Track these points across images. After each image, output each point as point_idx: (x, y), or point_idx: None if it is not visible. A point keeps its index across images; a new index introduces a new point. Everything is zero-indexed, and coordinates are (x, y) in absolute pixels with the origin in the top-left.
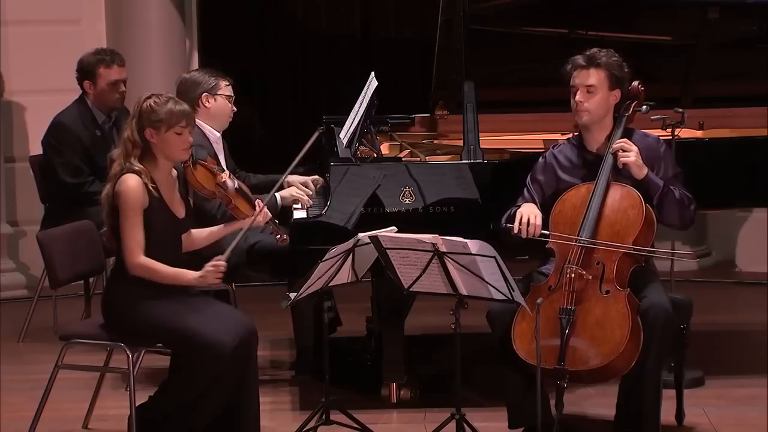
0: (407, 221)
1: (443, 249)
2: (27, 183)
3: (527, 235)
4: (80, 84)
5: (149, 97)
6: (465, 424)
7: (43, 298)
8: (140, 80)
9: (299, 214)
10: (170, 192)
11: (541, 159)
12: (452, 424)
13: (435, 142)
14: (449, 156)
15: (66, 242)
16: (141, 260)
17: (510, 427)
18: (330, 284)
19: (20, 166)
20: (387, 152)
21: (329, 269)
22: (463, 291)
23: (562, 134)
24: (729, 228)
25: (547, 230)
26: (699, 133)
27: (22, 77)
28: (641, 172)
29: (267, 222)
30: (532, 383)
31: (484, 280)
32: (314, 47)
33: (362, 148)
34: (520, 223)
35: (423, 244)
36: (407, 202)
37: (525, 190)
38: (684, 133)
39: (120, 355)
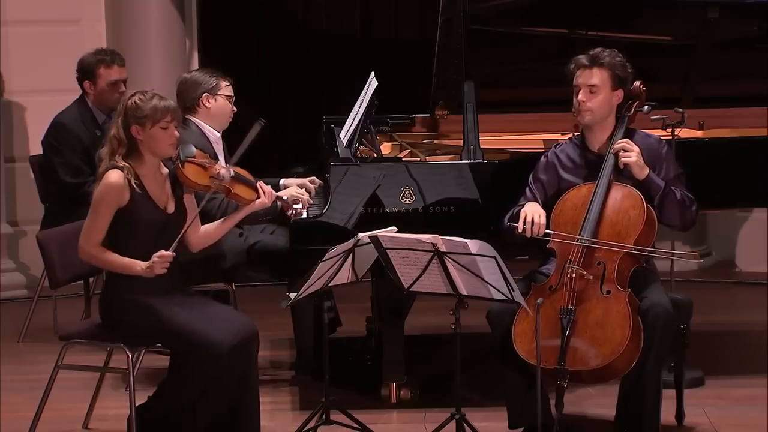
0: (407, 221)
1: (443, 249)
2: (27, 183)
3: (531, 234)
4: (80, 84)
5: (133, 95)
6: (465, 424)
7: (43, 298)
8: (140, 80)
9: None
10: (157, 187)
11: (543, 158)
12: (452, 424)
13: (435, 142)
14: (449, 156)
15: (66, 242)
16: (93, 249)
17: (510, 427)
18: (330, 284)
19: (20, 166)
20: (387, 152)
21: (329, 269)
22: (463, 291)
23: (562, 134)
24: (729, 228)
25: (550, 230)
26: (699, 133)
27: (22, 77)
28: (642, 172)
29: (274, 201)
30: (532, 383)
31: (484, 280)
32: (314, 47)
33: (362, 148)
34: (524, 223)
35: (423, 244)
36: (407, 202)
37: (527, 189)
38: (684, 133)
39: (120, 355)
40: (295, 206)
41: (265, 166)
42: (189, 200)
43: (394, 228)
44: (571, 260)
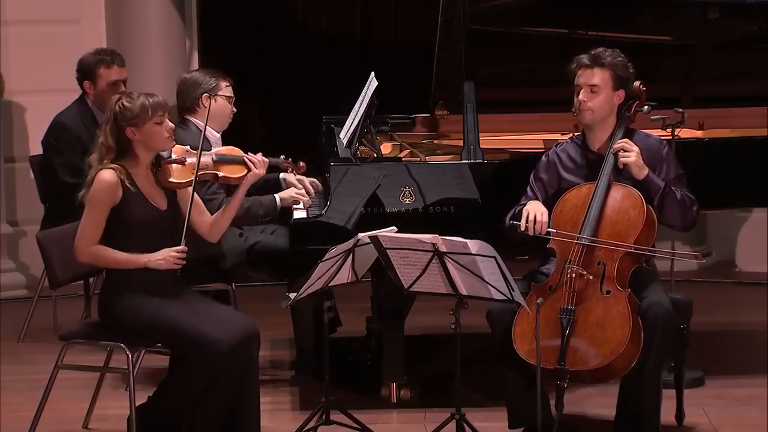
0: (407, 221)
1: (443, 249)
2: (27, 183)
3: (534, 233)
4: (80, 84)
5: (119, 99)
6: (465, 424)
7: (43, 298)
8: (140, 80)
9: (299, 214)
10: (150, 185)
11: (543, 157)
12: (452, 424)
13: (435, 142)
14: (449, 156)
15: (66, 242)
16: (91, 249)
17: (510, 427)
18: (330, 284)
19: (20, 166)
20: (387, 152)
21: (329, 269)
22: (463, 291)
23: (562, 134)
24: (729, 228)
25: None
26: (699, 133)
27: (22, 77)
28: (641, 172)
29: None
30: (532, 383)
31: (484, 280)
32: (314, 47)
33: (362, 148)
34: (527, 221)
35: (423, 244)
36: (407, 202)
37: (528, 188)
38: (684, 133)
39: (120, 355)
40: (295, 207)
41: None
42: (186, 195)
43: (394, 228)
44: (571, 260)
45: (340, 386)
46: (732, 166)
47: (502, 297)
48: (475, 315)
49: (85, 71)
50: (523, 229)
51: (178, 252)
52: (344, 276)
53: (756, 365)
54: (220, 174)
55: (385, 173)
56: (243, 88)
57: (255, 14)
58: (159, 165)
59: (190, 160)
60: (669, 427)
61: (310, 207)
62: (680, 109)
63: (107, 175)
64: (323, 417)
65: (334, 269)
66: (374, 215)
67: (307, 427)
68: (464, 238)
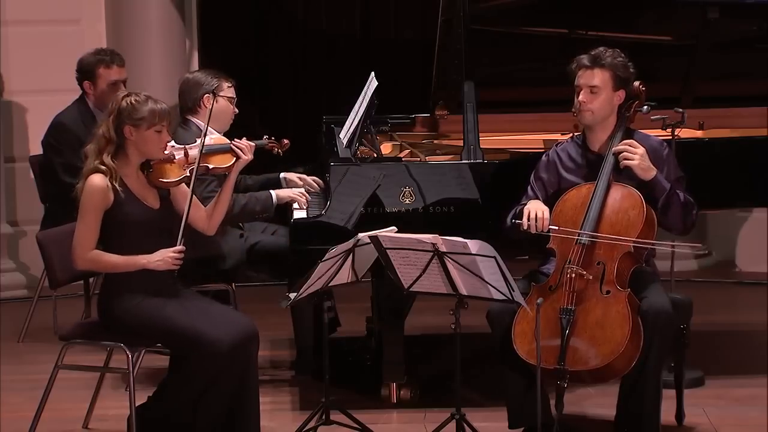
0: (407, 221)
1: (443, 249)
2: (27, 183)
3: (536, 230)
4: (80, 84)
5: (128, 95)
6: (465, 424)
7: (43, 298)
8: (140, 80)
9: (299, 214)
10: (141, 185)
11: (544, 157)
12: (452, 424)
13: (435, 142)
14: (449, 156)
15: (66, 242)
16: (88, 255)
17: (510, 427)
18: (330, 284)
19: (20, 166)
20: (387, 152)
21: (329, 269)
22: (463, 291)
23: (562, 134)
24: (729, 228)
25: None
26: (699, 133)
27: (22, 77)
28: (648, 174)
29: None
30: (532, 383)
31: (484, 280)
32: (314, 47)
33: (362, 148)
34: (528, 219)
35: (423, 244)
36: (407, 202)
37: (529, 188)
38: (684, 133)
39: (120, 355)
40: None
41: (264, 166)
42: (179, 192)
43: (394, 228)
44: (570, 260)
45: (340, 386)
46: (732, 166)
47: (502, 297)
48: (475, 315)
49: (85, 71)
50: (525, 227)
51: (175, 252)
52: (344, 276)
53: (756, 365)
54: (210, 166)
55: (385, 173)
56: (243, 88)
57: (255, 14)
58: (149, 165)
59: (178, 156)
60: (669, 427)
61: (309, 207)
62: (680, 109)
63: (97, 179)
64: (323, 417)
65: (334, 269)
66: (374, 215)
67: (307, 427)
68: (464, 238)
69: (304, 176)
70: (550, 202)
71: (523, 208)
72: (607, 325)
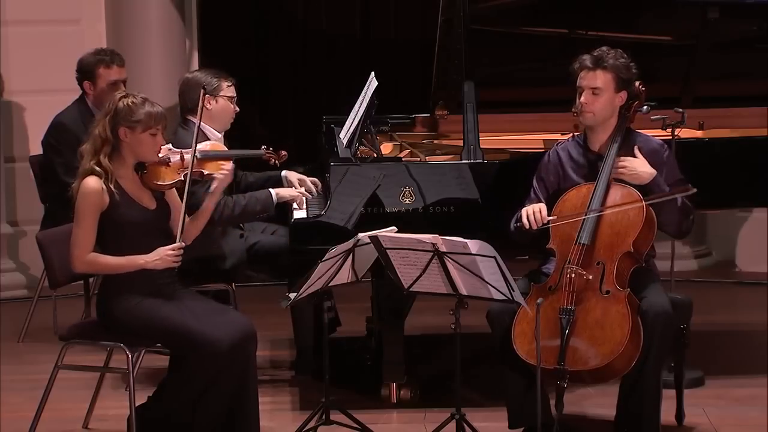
0: (407, 221)
1: (443, 249)
2: (27, 183)
3: (537, 224)
4: (80, 84)
5: (125, 96)
6: (465, 424)
7: (43, 298)
8: (140, 80)
9: (299, 214)
10: (136, 186)
11: (544, 157)
12: (452, 424)
13: (435, 142)
14: (449, 156)
15: (66, 242)
16: (86, 257)
17: (510, 427)
18: (330, 284)
19: (20, 166)
20: (387, 152)
21: (329, 269)
22: (463, 291)
23: (562, 134)
24: (729, 228)
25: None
26: (699, 133)
27: (22, 77)
28: (638, 180)
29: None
30: (532, 383)
31: (484, 280)
32: (314, 47)
33: (362, 148)
34: (527, 218)
35: (423, 244)
36: (407, 202)
37: (531, 190)
38: (684, 133)
39: (120, 355)
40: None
41: (264, 166)
42: (175, 194)
43: (394, 228)
44: (570, 260)
45: (340, 386)
46: (732, 166)
47: (502, 297)
48: (475, 315)
49: (85, 71)
50: (527, 226)
51: (173, 250)
52: (344, 276)
53: (756, 365)
54: (206, 171)
55: (385, 173)
56: (243, 88)
57: (255, 14)
58: (144, 167)
59: (174, 159)
60: (669, 427)
61: (309, 207)
62: (680, 109)
63: (91, 182)
64: (323, 417)
65: (334, 269)
66: (374, 215)
67: (307, 427)
68: (464, 238)
69: (305, 179)
70: (550, 202)
71: (521, 211)
72: (606, 325)
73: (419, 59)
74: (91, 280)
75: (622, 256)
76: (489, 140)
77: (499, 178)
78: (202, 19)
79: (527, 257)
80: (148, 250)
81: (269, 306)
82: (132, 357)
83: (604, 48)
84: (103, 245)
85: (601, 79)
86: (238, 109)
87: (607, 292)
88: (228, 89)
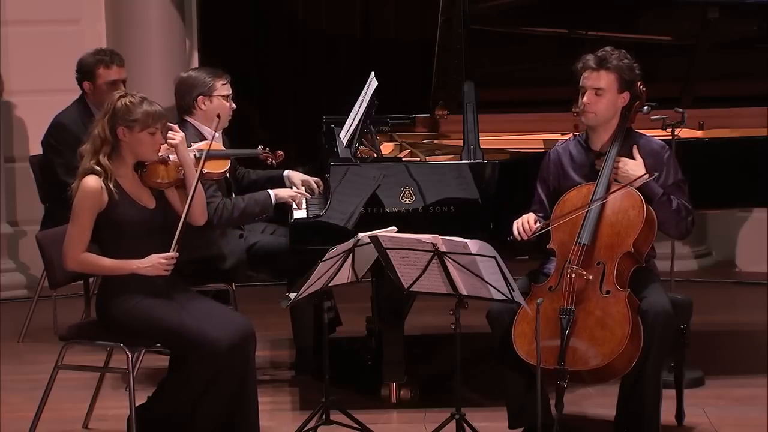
0: (407, 221)
1: (443, 249)
2: (27, 183)
3: (527, 235)
4: (80, 84)
5: (123, 96)
6: (465, 424)
7: (43, 298)
8: (140, 80)
9: (299, 214)
10: (136, 186)
11: (545, 158)
12: (452, 424)
13: (435, 142)
14: (449, 156)
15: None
16: (79, 257)
17: (510, 427)
18: (330, 284)
19: (20, 166)
20: (387, 152)
21: (329, 269)
22: (463, 291)
23: (562, 134)
24: (729, 228)
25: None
26: (699, 133)
27: (22, 77)
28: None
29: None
30: (532, 383)
31: (484, 280)
32: (314, 47)
33: (362, 148)
34: (517, 231)
35: (423, 244)
36: (407, 202)
37: (535, 192)
38: (684, 133)
39: (120, 355)
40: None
41: (264, 166)
42: (174, 195)
43: (394, 228)
44: (570, 260)
45: (340, 386)
46: (732, 166)
47: (502, 297)
48: (475, 315)
49: (85, 71)
50: (519, 238)
51: (166, 259)
52: (344, 276)
53: (756, 365)
54: (204, 170)
55: (385, 173)
56: (243, 88)
57: (255, 14)
58: (143, 166)
59: (173, 158)
60: (669, 427)
61: (309, 207)
62: (680, 109)
63: (91, 181)
64: (323, 417)
65: (334, 269)
66: (374, 215)
67: (307, 427)
68: (464, 238)
69: (308, 179)
70: (552, 202)
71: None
72: (606, 325)
73: (419, 59)
74: (91, 280)
75: (622, 257)
76: (489, 140)
77: (499, 178)
78: (202, 19)
79: (527, 257)
80: (148, 249)
81: (269, 306)
82: (132, 357)
83: (608, 48)
84: (101, 244)
85: (604, 79)
86: (234, 105)
87: (608, 292)
88: (222, 88)
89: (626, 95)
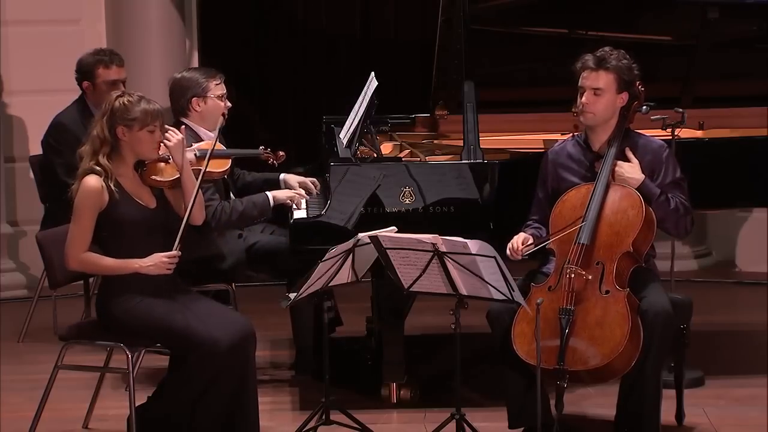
0: (407, 221)
1: (443, 249)
2: (27, 183)
3: (519, 255)
4: (79, 84)
5: (121, 96)
6: (465, 424)
7: (43, 298)
8: (140, 80)
9: (299, 214)
10: (137, 185)
11: (544, 158)
12: (452, 424)
13: (435, 142)
14: (449, 156)
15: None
16: (81, 256)
17: (510, 427)
18: (330, 284)
19: (20, 166)
20: (387, 152)
21: (329, 269)
22: (463, 291)
23: (562, 134)
24: (729, 228)
25: (546, 233)
26: (699, 133)
27: (22, 77)
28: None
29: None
30: (532, 383)
31: (484, 280)
32: (314, 47)
33: (362, 148)
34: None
35: (423, 244)
36: (407, 202)
37: (535, 194)
38: (684, 133)
39: (120, 355)
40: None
41: (265, 166)
42: (174, 194)
43: (394, 228)
44: (570, 260)
45: (340, 386)
46: (732, 166)
47: (502, 297)
48: (475, 315)
49: (84, 71)
50: (512, 257)
51: (169, 258)
52: (344, 276)
53: (756, 365)
54: (204, 169)
55: (385, 173)
56: (243, 88)
57: (255, 14)
58: (143, 164)
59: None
60: (669, 427)
61: (309, 207)
62: (680, 109)
63: (91, 181)
64: (323, 417)
65: (334, 269)
66: (374, 215)
67: (307, 427)
68: (464, 238)
69: (305, 180)
70: (552, 202)
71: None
72: (606, 325)
73: (419, 59)
74: (91, 280)
75: (621, 256)
76: (489, 140)
77: (499, 178)
78: (202, 19)
79: (527, 257)
80: (149, 249)
81: (269, 306)
82: (132, 357)
83: (607, 48)
84: (102, 244)
85: (603, 79)
86: (229, 104)
87: (607, 292)
88: (216, 87)
89: (625, 95)
